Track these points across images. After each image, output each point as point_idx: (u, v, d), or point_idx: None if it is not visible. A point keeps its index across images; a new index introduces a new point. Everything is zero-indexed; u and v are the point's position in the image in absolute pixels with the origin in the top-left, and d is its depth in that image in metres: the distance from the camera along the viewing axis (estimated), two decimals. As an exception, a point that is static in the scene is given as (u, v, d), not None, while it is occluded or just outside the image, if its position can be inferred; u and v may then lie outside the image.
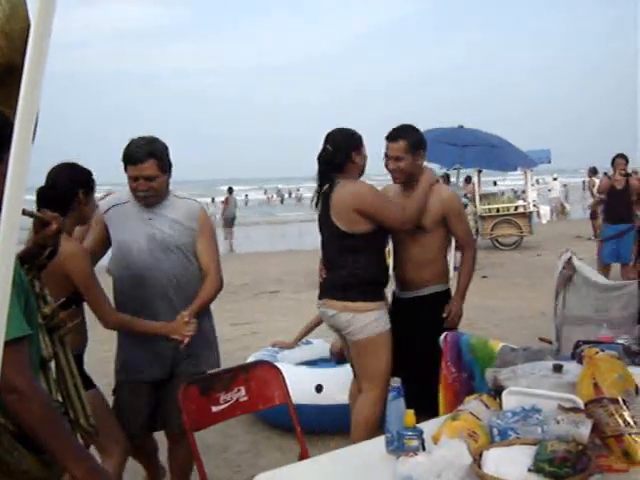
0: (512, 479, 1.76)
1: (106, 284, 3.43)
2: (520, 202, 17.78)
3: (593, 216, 13.55)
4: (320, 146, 3.97)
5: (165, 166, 3.40)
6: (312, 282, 12.11)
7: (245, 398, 3.07)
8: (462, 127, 13.17)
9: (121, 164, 3.39)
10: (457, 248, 4.43)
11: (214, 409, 2.96)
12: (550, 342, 4.00)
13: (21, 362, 1.74)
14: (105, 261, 3.60)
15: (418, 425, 2.24)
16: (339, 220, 3.86)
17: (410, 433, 2.17)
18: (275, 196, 57.56)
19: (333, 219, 3.88)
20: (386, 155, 4.02)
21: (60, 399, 2.13)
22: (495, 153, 12.99)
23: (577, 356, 2.55)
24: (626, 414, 1.98)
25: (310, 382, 4.77)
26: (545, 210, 25.89)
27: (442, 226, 4.01)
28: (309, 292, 11.08)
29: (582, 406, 2.04)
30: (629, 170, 10.02)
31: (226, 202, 22.61)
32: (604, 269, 9.10)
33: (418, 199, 3.91)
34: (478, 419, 2.19)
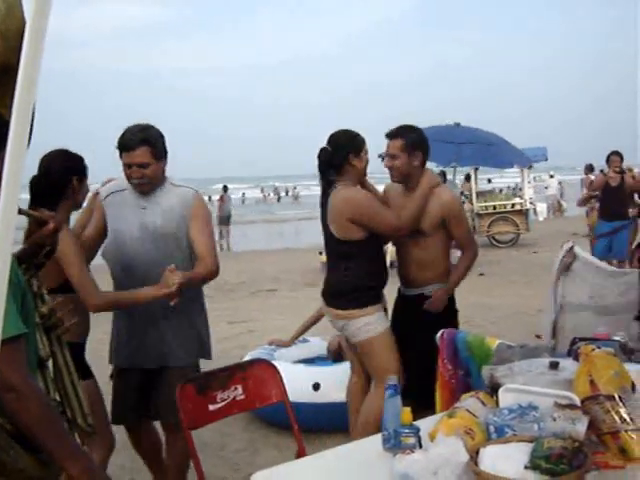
0: (509, 476, 1.76)
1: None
2: (517, 199, 17.78)
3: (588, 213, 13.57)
4: (321, 146, 3.98)
5: (159, 153, 3.39)
6: (309, 280, 12.18)
7: (242, 396, 3.06)
8: (459, 125, 13.18)
9: (120, 164, 3.41)
10: (456, 247, 4.39)
11: (211, 407, 2.96)
12: (539, 337, 4.01)
13: (18, 361, 1.74)
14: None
15: (415, 422, 2.25)
16: (333, 226, 3.90)
17: (407, 431, 2.18)
18: (272, 194, 57.56)
19: (328, 224, 3.93)
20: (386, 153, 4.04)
21: (58, 398, 2.13)
22: (492, 151, 13.01)
23: (573, 353, 2.56)
24: (622, 411, 1.99)
25: (307, 380, 4.78)
26: (542, 207, 25.91)
27: (442, 228, 3.98)
28: (306, 290, 11.10)
29: (578, 403, 2.05)
30: (624, 167, 10.04)
31: (221, 200, 22.62)
32: None
33: (416, 202, 3.90)
34: (475, 416, 2.19)
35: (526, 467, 1.78)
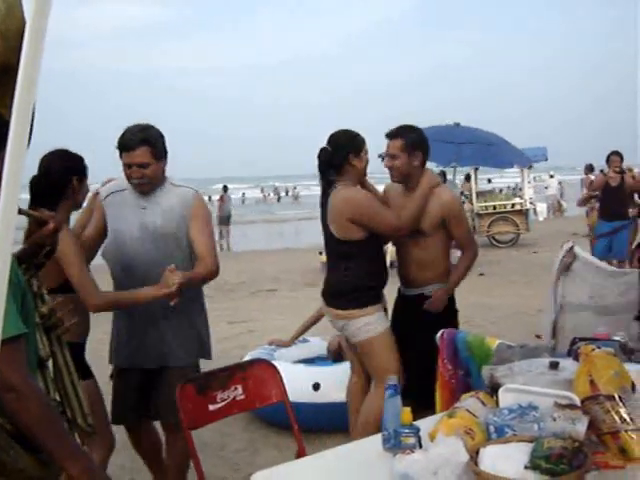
0: (509, 476, 1.76)
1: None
2: (517, 199, 17.78)
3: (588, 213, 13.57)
4: (321, 146, 3.98)
5: (159, 153, 3.39)
6: (309, 280, 12.18)
7: (242, 396, 3.07)
8: (458, 125, 13.17)
9: (120, 164, 3.41)
10: (456, 247, 4.38)
11: (211, 407, 2.96)
12: (539, 336, 4.01)
13: (18, 361, 1.74)
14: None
15: (415, 422, 2.25)
16: (333, 226, 3.92)
17: (407, 431, 2.18)
18: (272, 194, 57.57)
19: (328, 224, 3.93)
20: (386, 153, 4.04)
21: (58, 398, 2.13)
22: (491, 151, 13.01)
23: (573, 353, 2.56)
24: (622, 411, 1.99)
25: (307, 380, 4.78)
26: (542, 207, 25.91)
27: (442, 229, 3.97)
28: (306, 290, 11.10)
29: (578, 403, 2.05)
30: (624, 167, 10.04)
31: (221, 200, 22.64)
32: None
33: (416, 202, 3.90)
34: (475, 416, 2.19)
35: (526, 467, 1.78)
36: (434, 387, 3.35)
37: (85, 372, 3.33)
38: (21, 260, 2.07)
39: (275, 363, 3.37)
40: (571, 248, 3.94)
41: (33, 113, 1.07)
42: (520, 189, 19.87)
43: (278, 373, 3.14)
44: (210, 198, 27.32)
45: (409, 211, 3.90)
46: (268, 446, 4.72)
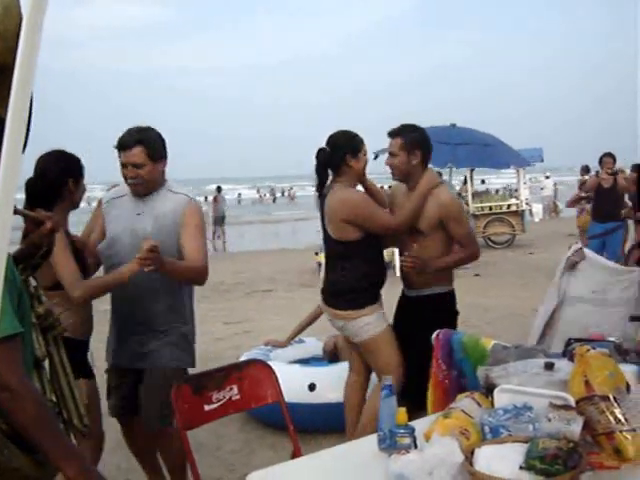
0: (504, 477, 1.76)
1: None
2: (513, 200, 17.79)
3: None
4: (320, 146, 4.00)
5: (155, 155, 3.38)
6: (305, 281, 12.18)
7: (238, 397, 3.07)
8: (455, 125, 13.19)
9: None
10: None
11: (206, 408, 2.96)
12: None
13: (14, 360, 1.74)
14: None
15: (411, 422, 2.25)
16: (330, 227, 3.94)
17: (402, 431, 2.18)
18: (268, 195, 57.55)
19: (325, 225, 3.95)
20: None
21: (54, 399, 2.12)
22: (488, 152, 13.03)
23: (568, 354, 2.56)
24: (617, 411, 1.99)
25: (303, 381, 4.78)
26: (537, 208, 25.93)
27: (441, 229, 3.94)
28: (302, 291, 11.11)
29: (573, 404, 2.05)
30: (616, 169, 10.06)
31: (215, 201, 22.66)
32: None
33: (413, 203, 3.90)
34: (470, 417, 2.19)
35: (521, 467, 1.78)
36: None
37: (86, 372, 3.34)
38: (18, 260, 2.07)
39: (271, 363, 3.37)
40: (580, 249, 3.97)
41: (30, 114, 1.07)
42: (515, 190, 19.88)
43: (274, 373, 3.14)
44: (206, 198, 27.32)
45: (405, 211, 3.90)
46: (264, 446, 4.72)
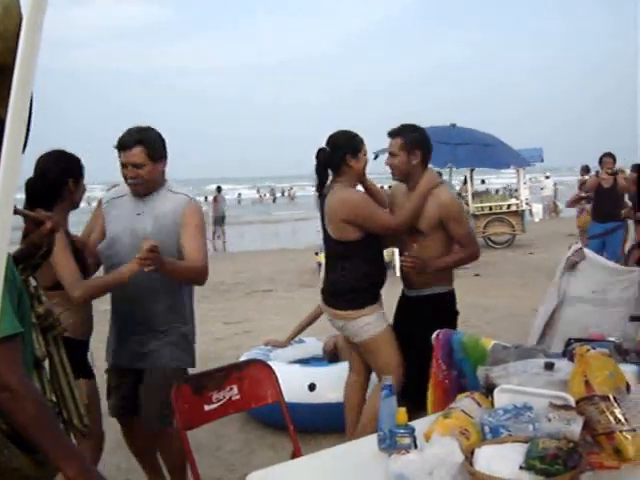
0: (504, 477, 1.76)
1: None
2: (512, 200, 17.79)
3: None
4: (320, 146, 4.00)
5: (155, 155, 3.38)
6: (305, 281, 12.18)
7: (238, 397, 3.07)
8: (454, 125, 13.18)
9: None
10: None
11: (207, 408, 2.96)
12: None
13: (14, 360, 1.74)
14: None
15: (411, 422, 2.25)
16: (330, 227, 3.95)
17: (402, 431, 2.18)
18: (268, 195, 57.55)
19: (325, 225, 3.96)
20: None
21: (54, 399, 2.12)
22: (488, 152, 13.03)
23: (568, 354, 2.56)
24: (617, 411, 1.99)
25: (303, 381, 4.78)
26: (537, 208, 25.92)
27: (441, 229, 3.93)
28: (302, 291, 11.11)
29: (573, 404, 2.05)
30: (616, 168, 10.05)
31: (215, 201, 22.66)
32: None
33: (413, 203, 3.90)
34: (470, 417, 2.19)
35: (521, 467, 1.78)
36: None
37: (86, 372, 3.34)
38: (18, 260, 2.07)
39: (271, 363, 3.37)
40: (580, 249, 3.97)
41: (30, 114, 1.07)
42: (515, 190, 19.89)
43: (274, 373, 3.14)
44: (206, 199, 27.34)
45: (405, 211, 3.90)
46: (264, 446, 4.72)
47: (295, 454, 2.94)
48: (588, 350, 2.31)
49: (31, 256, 2.15)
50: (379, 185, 4.41)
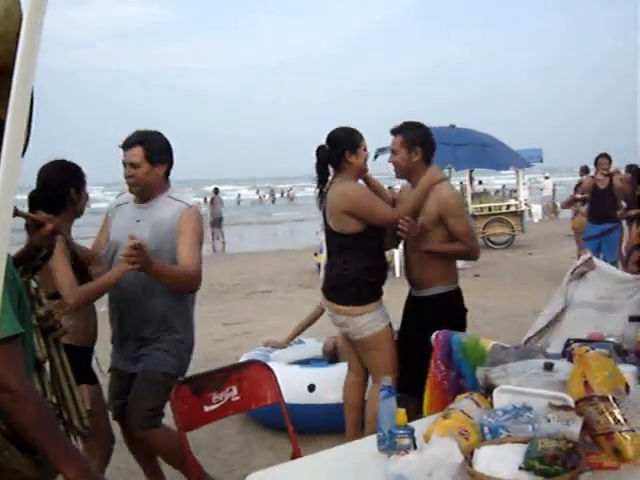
0: (503, 477, 1.76)
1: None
2: (512, 201, 17.79)
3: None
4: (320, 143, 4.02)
5: (153, 158, 3.38)
6: (304, 282, 12.18)
7: (237, 398, 3.07)
8: (454, 126, 13.18)
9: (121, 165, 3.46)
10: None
11: (206, 409, 2.96)
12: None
13: (14, 361, 1.74)
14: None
15: (410, 423, 2.25)
16: (331, 220, 3.96)
17: (401, 432, 2.18)
18: (267, 196, 57.53)
19: (327, 219, 3.96)
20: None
21: (54, 401, 2.12)
22: (487, 152, 13.02)
23: (568, 354, 2.56)
24: (616, 412, 2.00)
25: (302, 381, 4.78)
26: (537, 209, 25.93)
27: (441, 226, 3.93)
28: (301, 292, 11.12)
29: (573, 404, 2.06)
30: (612, 170, 10.04)
31: (212, 203, 22.63)
32: None
33: (414, 197, 3.91)
34: (469, 417, 2.19)
35: (520, 468, 1.79)
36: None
37: (90, 378, 3.34)
38: (18, 262, 2.07)
39: (270, 364, 3.37)
40: (590, 258, 3.96)
41: (31, 114, 1.07)
42: (515, 190, 19.89)
43: (273, 374, 3.15)
44: (205, 200, 27.34)
45: (405, 205, 3.92)
46: (263, 447, 4.72)
47: (295, 455, 2.94)
48: (587, 351, 2.31)
49: (31, 258, 2.15)
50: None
